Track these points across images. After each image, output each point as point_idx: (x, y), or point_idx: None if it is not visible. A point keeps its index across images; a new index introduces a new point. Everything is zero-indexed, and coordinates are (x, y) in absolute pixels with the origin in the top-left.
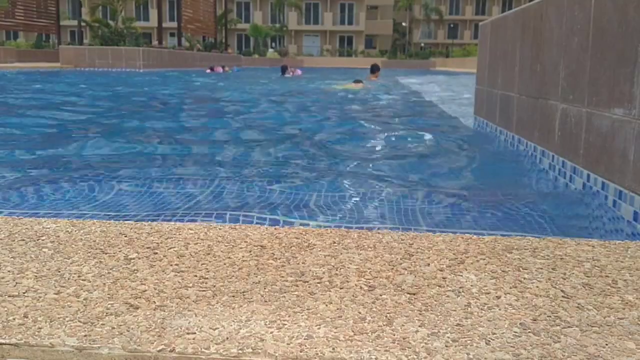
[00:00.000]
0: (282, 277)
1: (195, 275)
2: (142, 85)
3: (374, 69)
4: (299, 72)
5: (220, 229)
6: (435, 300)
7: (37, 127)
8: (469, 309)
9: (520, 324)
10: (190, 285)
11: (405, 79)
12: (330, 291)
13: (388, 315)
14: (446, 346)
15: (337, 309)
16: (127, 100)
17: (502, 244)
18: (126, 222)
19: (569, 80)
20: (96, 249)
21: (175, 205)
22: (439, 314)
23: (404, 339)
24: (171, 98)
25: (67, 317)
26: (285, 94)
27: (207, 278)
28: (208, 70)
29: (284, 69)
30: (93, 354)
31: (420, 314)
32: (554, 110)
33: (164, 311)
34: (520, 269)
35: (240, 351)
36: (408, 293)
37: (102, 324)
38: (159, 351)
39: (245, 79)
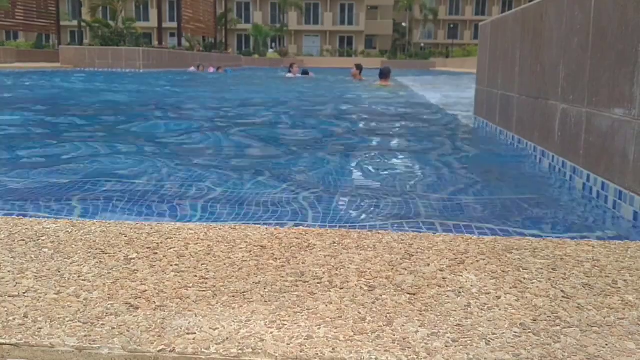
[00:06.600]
0: (282, 277)
1: (195, 276)
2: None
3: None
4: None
5: (220, 229)
6: (435, 301)
7: None
8: (469, 309)
9: (520, 324)
10: (190, 285)
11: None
12: (330, 291)
13: (388, 315)
14: (446, 346)
15: (337, 309)
16: None
17: (502, 244)
18: (126, 222)
19: (569, 80)
20: (96, 249)
21: None
22: (439, 314)
23: (404, 339)
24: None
25: (67, 317)
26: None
27: (207, 278)
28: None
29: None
30: (93, 354)
31: (420, 314)
32: (554, 110)
33: (164, 311)
34: (520, 269)
35: (240, 351)
36: (408, 293)
37: (102, 324)
38: (159, 351)
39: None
